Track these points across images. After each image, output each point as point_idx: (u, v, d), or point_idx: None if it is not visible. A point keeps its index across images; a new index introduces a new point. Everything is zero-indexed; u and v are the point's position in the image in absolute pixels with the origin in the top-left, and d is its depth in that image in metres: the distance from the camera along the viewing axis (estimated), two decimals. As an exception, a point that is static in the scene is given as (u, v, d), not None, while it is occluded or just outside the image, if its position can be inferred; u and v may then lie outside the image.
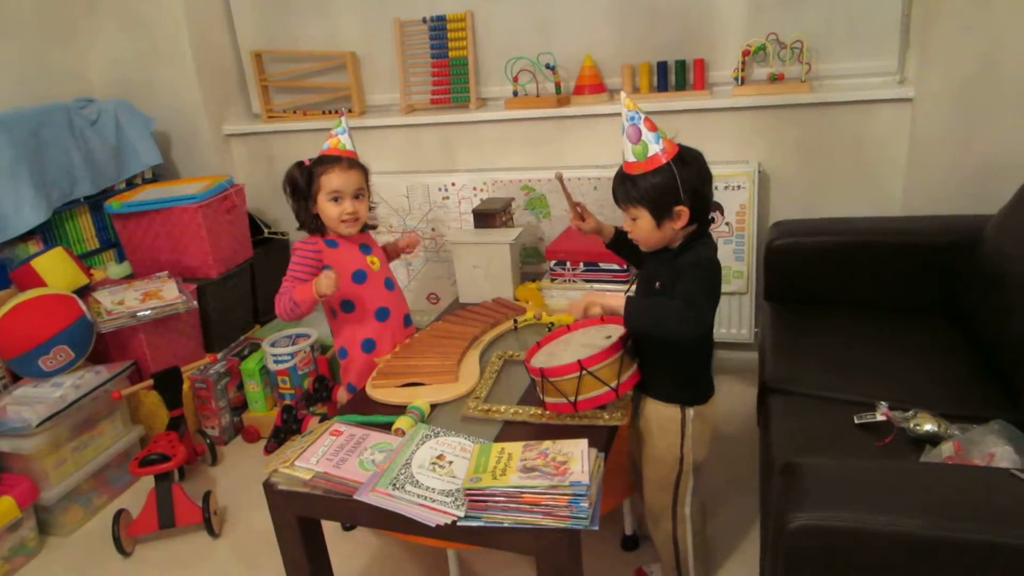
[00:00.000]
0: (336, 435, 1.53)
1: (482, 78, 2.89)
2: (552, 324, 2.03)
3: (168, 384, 2.35)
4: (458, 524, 1.28)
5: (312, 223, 1.95)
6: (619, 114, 1.44)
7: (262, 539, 2.10)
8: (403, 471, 1.38)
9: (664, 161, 1.42)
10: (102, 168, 2.74)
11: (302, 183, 1.91)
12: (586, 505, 1.23)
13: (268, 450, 2.50)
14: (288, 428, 2.34)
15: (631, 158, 1.46)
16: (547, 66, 2.71)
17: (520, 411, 1.59)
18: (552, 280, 2.27)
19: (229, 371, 2.65)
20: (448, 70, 2.89)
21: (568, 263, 2.23)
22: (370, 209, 2.01)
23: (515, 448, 1.39)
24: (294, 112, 3.11)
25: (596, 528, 1.24)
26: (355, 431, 1.55)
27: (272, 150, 3.17)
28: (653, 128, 1.44)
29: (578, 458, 1.32)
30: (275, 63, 3.12)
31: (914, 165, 2.40)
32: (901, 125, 2.41)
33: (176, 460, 2.18)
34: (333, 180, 1.89)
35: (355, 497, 1.34)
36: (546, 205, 2.75)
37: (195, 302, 2.55)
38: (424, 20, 2.85)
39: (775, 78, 2.51)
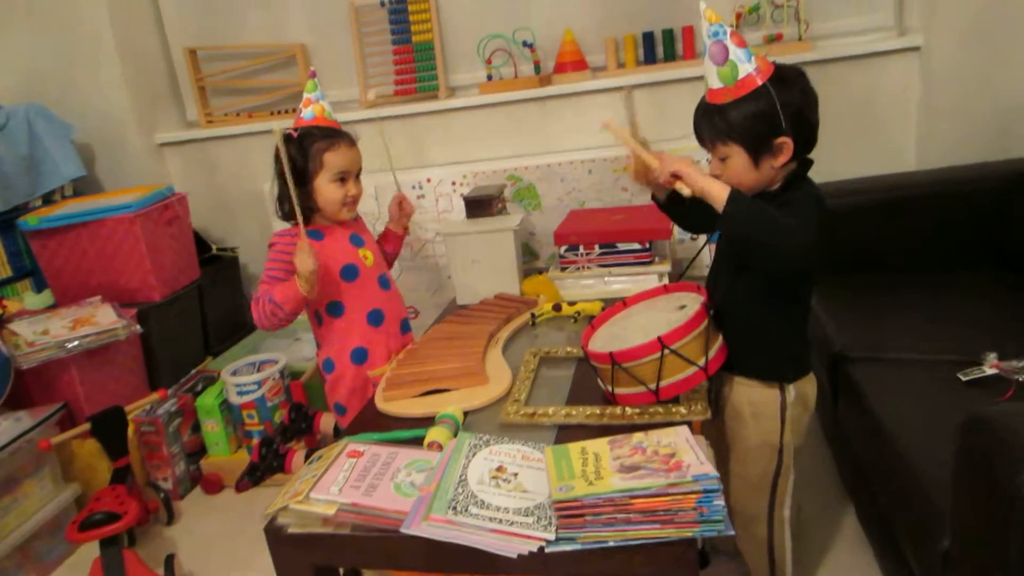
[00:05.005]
0: (355, 456, 1.19)
1: (450, 64, 2.61)
2: (578, 313, 1.75)
3: (110, 428, 1.94)
4: (547, 551, 0.96)
5: (311, 209, 1.64)
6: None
7: (244, 606, 1.71)
8: (460, 490, 1.05)
9: (760, 83, 1.17)
10: (12, 181, 2.32)
11: (301, 163, 1.59)
12: (720, 504, 0.94)
13: (240, 489, 2.08)
14: (268, 465, 1.94)
15: (716, 84, 1.20)
16: (524, 43, 2.46)
17: (573, 412, 1.29)
18: (563, 269, 1.98)
19: (182, 410, 2.23)
20: (412, 56, 2.60)
21: (581, 247, 1.95)
22: None
23: (599, 446, 1.09)
24: (237, 115, 2.76)
25: (733, 533, 0.95)
26: (379, 450, 1.21)
27: (214, 158, 2.79)
28: (742, 43, 1.18)
29: (687, 447, 1.04)
30: (213, 61, 2.76)
31: (929, 114, 2.28)
32: (910, 76, 2.29)
33: (128, 518, 1.77)
34: (339, 159, 1.61)
35: (402, 531, 1.00)
36: (536, 195, 2.47)
37: (138, 326, 2.14)
38: (382, 3, 2.57)
39: (773, 39, 2.32)
